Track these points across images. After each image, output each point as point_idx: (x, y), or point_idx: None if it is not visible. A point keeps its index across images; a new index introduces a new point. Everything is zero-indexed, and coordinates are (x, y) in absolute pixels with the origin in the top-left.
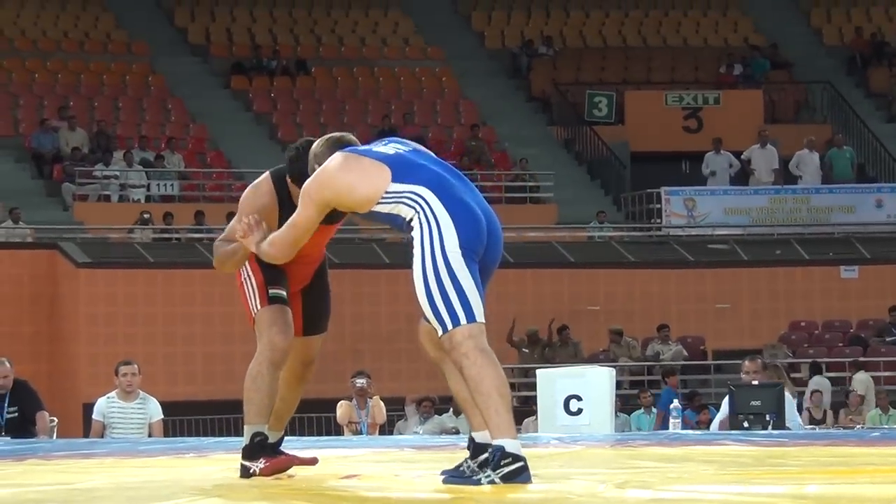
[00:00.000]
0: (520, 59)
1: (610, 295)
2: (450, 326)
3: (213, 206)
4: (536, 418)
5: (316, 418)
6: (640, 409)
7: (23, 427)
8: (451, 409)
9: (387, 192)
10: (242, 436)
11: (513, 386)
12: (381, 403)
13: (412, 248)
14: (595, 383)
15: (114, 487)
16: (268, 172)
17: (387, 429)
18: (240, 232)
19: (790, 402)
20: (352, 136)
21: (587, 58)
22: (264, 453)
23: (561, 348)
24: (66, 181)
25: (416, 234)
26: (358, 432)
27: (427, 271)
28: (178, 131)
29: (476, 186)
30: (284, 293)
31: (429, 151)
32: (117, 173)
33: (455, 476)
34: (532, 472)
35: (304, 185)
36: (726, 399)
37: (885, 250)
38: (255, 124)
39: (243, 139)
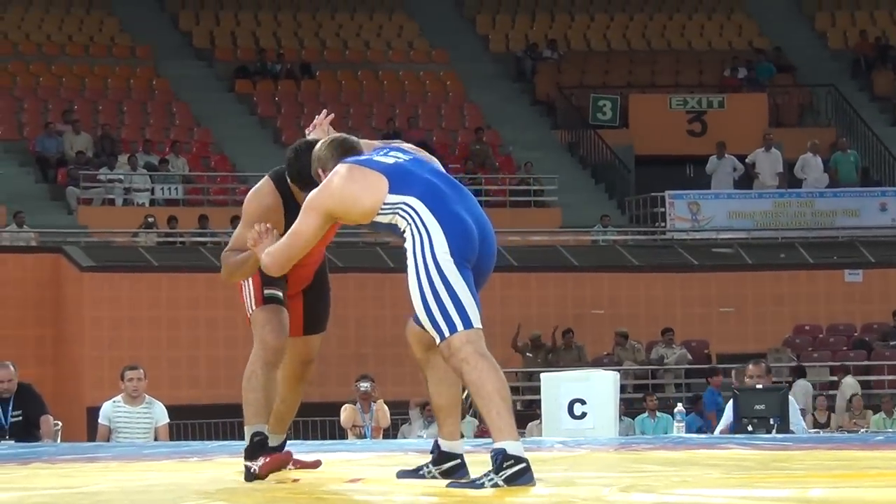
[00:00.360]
0: (524, 62)
1: (614, 299)
2: (447, 334)
3: (218, 210)
4: (540, 422)
5: (320, 422)
6: (644, 412)
7: (27, 431)
8: None
9: (384, 204)
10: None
11: (517, 390)
12: (385, 407)
13: (406, 258)
14: (599, 387)
15: (118, 491)
16: (267, 175)
17: (391, 433)
18: (250, 240)
19: (794, 406)
20: (355, 140)
21: (591, 61)
22: (264, 451)
23: (565, 352)
24: (71, 185)
25: (408, 244)
26: (362, 436)
27: (421, 280)
28: (183, 135)
29: (480, 190)
30: (280, 294)
31: (431, 158)
32: (121, 177)
33: (459, 483)
34: (536, 476)
35: (308, 197)
36: (730, 403)
37: (889, 254)
38: (260, 128)
39: (248, 143)
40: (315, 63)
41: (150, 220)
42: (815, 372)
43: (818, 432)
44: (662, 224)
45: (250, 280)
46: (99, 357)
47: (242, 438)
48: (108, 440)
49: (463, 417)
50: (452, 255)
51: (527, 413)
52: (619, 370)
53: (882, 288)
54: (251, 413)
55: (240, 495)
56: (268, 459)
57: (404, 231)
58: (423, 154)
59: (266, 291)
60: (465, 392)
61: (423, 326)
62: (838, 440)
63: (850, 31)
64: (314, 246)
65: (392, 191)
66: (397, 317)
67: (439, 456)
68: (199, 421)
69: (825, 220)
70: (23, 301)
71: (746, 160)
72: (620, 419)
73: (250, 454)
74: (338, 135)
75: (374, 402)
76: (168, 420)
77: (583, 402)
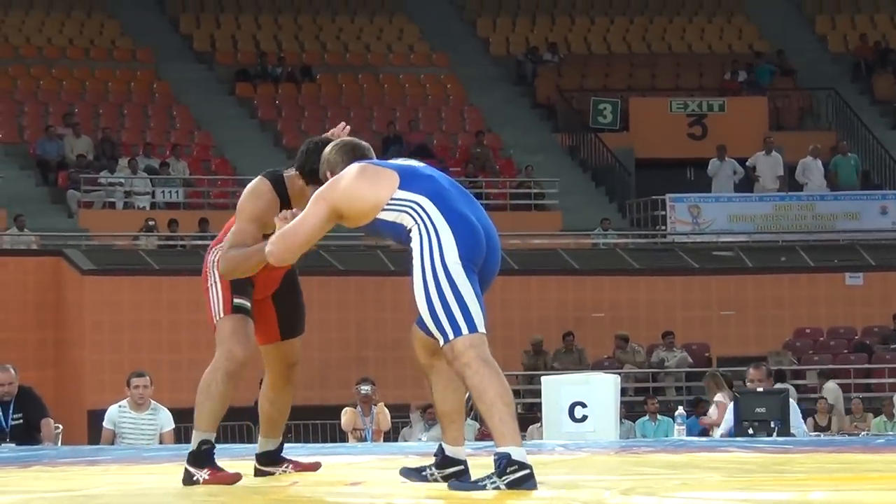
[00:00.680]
0: (525, 65)
1: (615, 302)
2: (451, 336)
3: (218, 213)
4: (541, 425)
5: (321, 425)
6: (644, 415)
7: (28, 434)
8: None
9: (392, 199)
10: (246, 443)
11: (518, 393)
12: (386, 410)
13: (412, 258)
14: (600, 390)
15: (119, 494)
16: (261, 176)
17: (391, 436)
18: (279, 221)
19: (795, 409)
20: (367, 145)
21: (592, 65)
22: (210, 463)
23: (565, 355)
24: (71, 188)
25: (415, 244)
26: (362, 439)
27: (427, 281)
28: (183, 138)
29: (481, 193)
30: (249, 304)
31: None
32: (122, 180)
33: (460, 483)
34: (537, 479)
35: (317, 190)
36: (731, 406)
37: (889, 257)
38: (260, 131)
39: (248, 146)
40: (316, 66)
41: (151, 223)
42: (816, 375)
43: (819, 435)
44: (663, 227)
45: (219, 286)
46: (100, 360)
47: (243, 441)
48: (112, 444)
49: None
50: (461, 257)
51: (528, 416)
52: (619, 373)
53: (882, 291)
54: (203, 420)
55: (241, 499)
56: (213, 476)
57: (411, 231)
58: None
59: (235, 300)
60: (467, 394)
61: (426, 330)
62: (839, 443)
63: (850, 34)
64: None
65: (402, 187)
66: (398, 320)
67: (443, 460)
68: None
69: (826, 223)
70: (23, 304)
71: (747, 163)
72: (621, 422)
73: (196, 461)
74: (349, 139)
75: (375, 405)
76: (173, 426)
77: (583, 405)
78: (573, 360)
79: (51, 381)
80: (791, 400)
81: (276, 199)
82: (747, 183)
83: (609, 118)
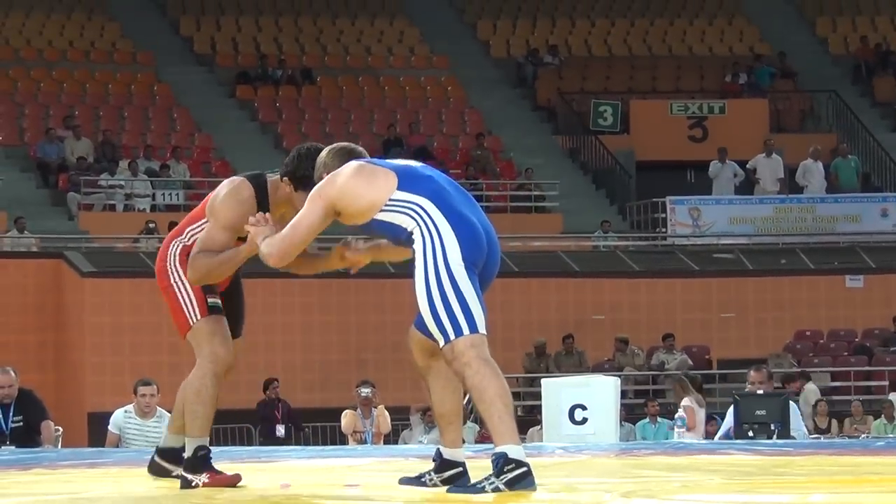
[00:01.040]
0: (525, 68)
1: (615, 304)
2: (452, 337)
3: None
4: (541, 427)
5: (321, 427)
6: (644, 418)
7: (28, 436)
8: None
9: (391, 200)
10: (246, 445)
11: (518, 395)
12: (386, 413)
13: (414, 259)
14: (600, 392)
15: (120, 497)
16: (244, 178)
17: (391, 438)
18: (250, 226)
19: (795, 411)
20: (361, 149)
21: (592, 67)
22: (207, 467)
23: (566, 357)
24: (72, 190)
25: (417, 245)
26: (363, 442)
27: (430, 282)
28: (184, 140)
29: (481, 196)
30: (220, 302)
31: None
32: (122, 183)
33: (460, 486)
34: (537, 481)
35: (312, 189)
36: (731, 408)
37: (890, 259)
38: (261, 133)
39: (249, 148)
40: (316, 69)
41: (151, 225)
42: (816, 377)
43: (819, 438)
44: (663, 230)
45: (189, 286)
46: (100, 362)
47: (244, 443)
48: (116, 448)
49: (464, 423)
50: (463, 259)
51: (528, 418)
52: (619, 376)
53: (883, 293)
54: (197, 426)
55: (241, 501)
56: (212, 479)
57: (412, 232)
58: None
59: (210, 300)
60: (467, 397)
61: (425, 332)
62: (839, 445)
63: (851, 36)
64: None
65: (401, 187)
66: (398, 322)
67: (441, 464)
68: None
69: (826, 225)
70: (24, 307)
71: (747, 166)
72: (621, 425)
73: (192, 467)
74: (344, 143)
75: (375, 407)
76: None
77: (584, 407)
78: (573, 362)
79: (51, 383)
80: (791, 402)
81: (255, 207)
82: (748, 185)
83: (609, 120)
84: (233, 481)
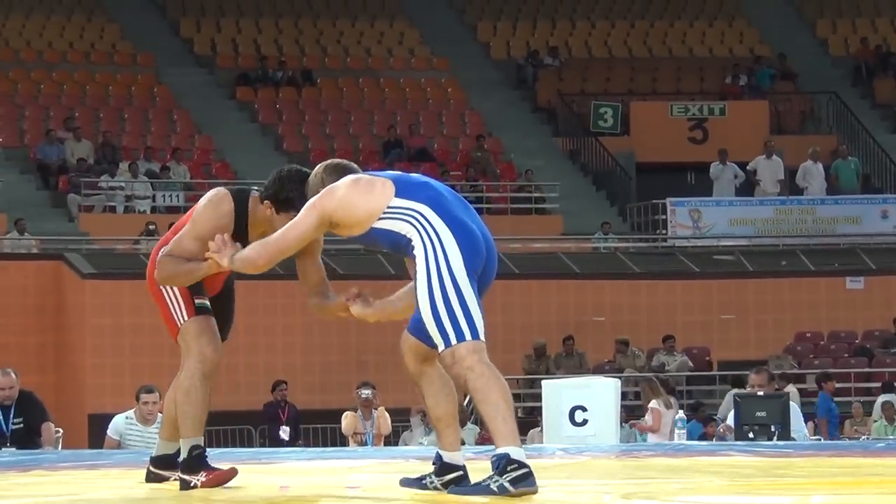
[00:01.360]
0: (525, 69)
1: (615, 306)
2: (453, 342)
3: None
4: (542, 429)
5: (321, 429)
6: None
7: (28, 438)
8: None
9: (389, 207)
10: (246, 447)
11: (518, 397)
12: (386, 414)
13: (415, 266)
14: (600, 394)
15: (119, 499)
16: (227, 191)
17: (392, 440)
18: (213, 250)
19: (796, 412)
20: (354, 164)
21: (593, 68)
22: (204, 466)
23: (566, 359)
24: (72, 192)
25: (418, 251)
26: (363, 443)
27: (433, 288)
28: (184, 142)
29: (481, 197)
30: (208, 303)
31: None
32: (123, 184)
33: (462, 487)
34: (538, 483)
35: (310, 199)
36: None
37: (890, 261)
38: (261, 135)
39: (249, 150)
40: (316, 70)
41: (152, 227)
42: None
43: (819, 439)
44: (663, 231)
45: (177, 289)
46: (100, 364)
47: (244, 445)
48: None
49: (463, 425)
50: (465, 265)
51: (528, 420)
52: (620, 377)
53: (883, 295)
54: (189, 426)
55: (239, 502)
56: (210, 476)
57: (412, 239)
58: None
59: (197, 301)
60: (467, 398)
61: (420, 336)
62: (839, 447)
63: (851, 38)
64: None
65: (399, 195)
66: (398, 324)
67: (441, 467)
68: None
69: (826, 227)
70: (24, 308)
71: (748, 167)
72: (621, 426)
73: (188, 468)
74: (337, 160)
75: (376, 409)
76: None
77: (584, 409)
78: (574, 363)
79: (51, 384)
80: (792, 403)
81: (233, 222)
82: (748, 187)
83: (610, 122)
84: (229, 476)
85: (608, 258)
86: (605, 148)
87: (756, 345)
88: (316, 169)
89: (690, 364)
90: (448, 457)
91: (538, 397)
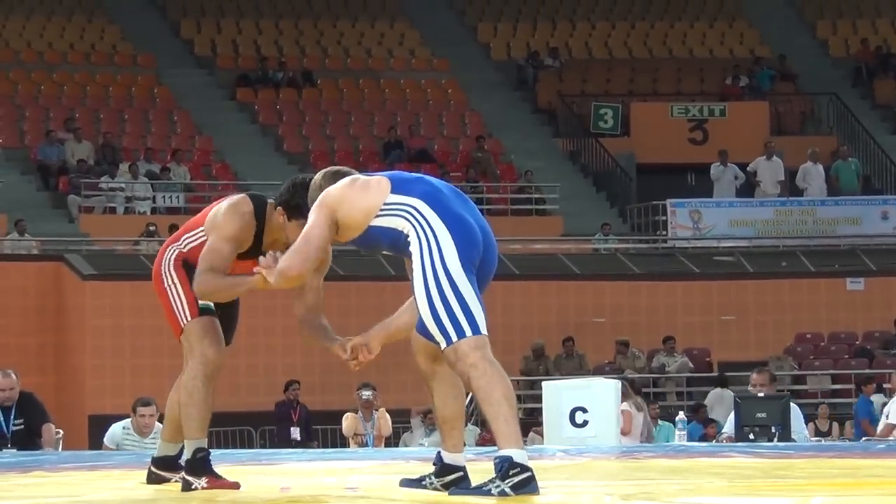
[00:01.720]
0: (526, 70)
1: (615, 307)
2: (454, 339)
3: None
4: (542, 430)
5: (321, 430)
6: None
7: (29, 439)
8: None
9: (385, 204)
10: (246, 448)
11: (518, 398)
12: (387, 416)
13: (412, 262)
14: (601, 395)
15: (120, 500)
16: (245, 195)
17: (392, 441)
18: (263, 265)
19: (797, 414)
20: (353, 170)
21: (593, 69)
22: (207, 471)
23: (566, 360)
24: (72, 193)
25: (414, 248)
26: (364, 444)
27: (430, 285)
28: (184, 143)
29: (482, 198)
30: (212, 304)
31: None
32: (123, 185)
33: (463, 489)
34: (538, 483)
35: (313, 204)
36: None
37: (890, 262)
38: (261, 136)
39: (249, 151)
40: (317, 71)
41: (152, 228)
42: (817, 380)
43: (820, 441)
44: (664, 232)
45: (181, 288)
46: (100, 365)
47: (244, 446)
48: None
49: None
50: (460, 259)
51: (528, 421)
52: (620, 378)
53: (884, 296)
54: (193, 428)
55: None
56: (213, 483)
57: (408, 235)
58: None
59: (200, 302)
60: (468, 397)
61: (427, 335)
62: (840, 448)
63: (851, 39)
64: (242, 267)
65: (394, 191)
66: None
67: (442, 468)
68: None
69: (827, 228)
70: (24, 309)
71: (748, 168)
72: None
73: (193, 470)
74: (336, 167)
75: (376, 410)
76: None
77: (584, 410)
78: (574, 365)
79: (51, 386)
80: (793, 405)
81: (254, 224)
82: (748, 188)
83: (610, 123)
84: (231, 488)
85: (608, 259)
86: (605, 149)
87: (756, 346)
88: (315, 177)
89: (691, 365)
90: (449, 458)
91: (538, 398)
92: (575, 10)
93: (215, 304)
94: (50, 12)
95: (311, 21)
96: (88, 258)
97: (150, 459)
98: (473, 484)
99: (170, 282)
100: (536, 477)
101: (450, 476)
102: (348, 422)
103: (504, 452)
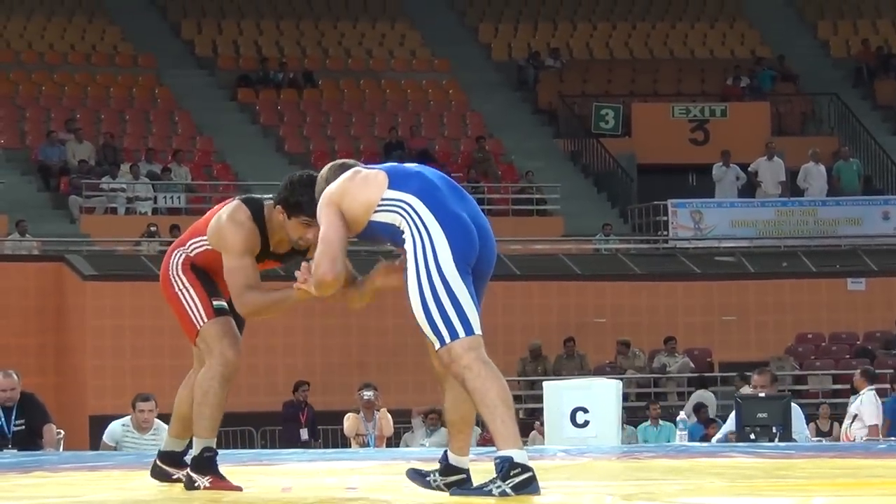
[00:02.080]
0: (526, 71)
1: (616, 307)
2: (448, 340)
3: None
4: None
5: (323, 430)
6: (646, 421)
7: (30, 439)
8: None
9: (382, 199)
10: (248, 448)
11: (518, 398)
12: (388, 416)
13: (405, 260)
14: (602, 395)
15: (121, 501)
16: (239, 202)
17: (394, 441)
18: (301, 280)
19: (798, 414)
20: (358, 163)
21: (594, 70)
22: (212, 471)
23: (567, 360)
24: (73, 194)
25: (408, 246)
26: (365, 445)
27: (422, 284)
28: (185, 144)
29: (482, 199)
30: (227, 304)
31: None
32: (124, 186)
33: (464, 490)
34: (539, 484)
35: (318, 207)
36: (733, 412)
37: (891, 262)
38: (262, 137)
39: (250, 151)
40: (317, 72)
41: (153, 228)
42: (818, 380)
43: (821, 441)
44: (665, 233)
45: (193, 291)
46: (101, 366)
47: (246, 447)
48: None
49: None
50: (454, 258)
51: (529, 421)
52: (621, 378)
53: (885, 296)
54: (203, 427)
55: None
56: (216, 484)
57: (403, 232)
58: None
59: (215, 303)
60: None
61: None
62: (841, 448)
63: (852, 39)
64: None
65: (391, 186)
66: (400, 326)
67: (446, 468)
68: None
69: (828, 228)
70: (25, 310)
71: (749, 169)
72: (623, 428)
73: (198, 468)
74: (341, 160)
75: (378, 410)
76: None
77: (585, 410)
78: (575, 365)
79: (52, 386)
80: (794, 405)
81: (256, 228)
82: (749, 188)
83: (611, 123)
84: (234, 490)
85: (609, 259)
86: (606, 149)
87: (757, 346)
88: (322, 171)
89: (692, 365)
90: (454, 459)
91: (539, 398)
92: (576, 11)
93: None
94: (50, 13)
95: (311, 22)
96: (89, 259)
97: (150, 460)
98: (474, 484)
99: (180, 285)
100: (537, 477)
101: (452, 477)
102: (350, 422)
103: (504, 453)
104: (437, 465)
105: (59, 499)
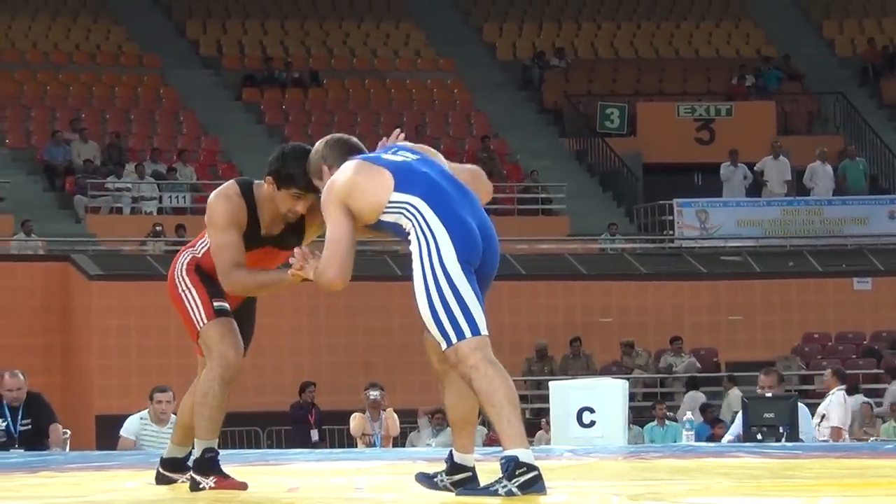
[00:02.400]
0: (532, 70)
1: (622, 307)
2: (454, 340)
3: None
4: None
5: (329, 430)
6: (653, 421)
7: (36, 439)
8: None
9: (390, 202)
10: (253, 448)
11: (525, 398)
12: (395, 416)
13: (411, 261)
14: (608, 395)
15: (128, 501)
16: (233, 181)
17: (400, 441)
18: (296, 266)
19: (805, 414)
20: (358, 141)
21: (599, 69)
22: (215, 471)
23: (573, 360)
24: (78, 193)
25: (413, 247)
26: (371, 444)
27: (429, 286)
28: (190, 143)
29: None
30: (228, 306)
31: (437, 154)
32: (129, 185)
33: (470, 489)
34: (546, 484)
35: (321, 201)
36: (740, 412)
37: None
38: (267, 136)
39: (255, 151)
40: (322, 71)
41: (158, 228)
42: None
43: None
44: (670, 232)
45: (195, 292)
46: (107, 365)
47: (252, 447)
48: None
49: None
50: (458, 259)
51: (535, 421)
52: (627, 378)
53: (891, 296)
54: (204, 428)
55: None
56: (221, 483)
57: (409, 234)
58: (430, 152)
59: (216, 304)
60: None
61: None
62: (848, 448)
63: (858, 38)
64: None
65: (398, 188)
66: (406, 325)
67: (452, 466)
68: None
69: (834, 228)
70: (31, 310)
71: (755, 168)
72: (629, 427)
73: (201, 469)
74: (339, 135)
75: (384, 410)
76: None
77: (592, 410)
78: (581, 365)
79: (58, 386)
80: (801, 405)
81: (244, 204)
82: (755, 187)
83: (616, 123)
84: (239, 488)
85: (615, 259)
86: (611, 149)
87: (764, 346)
88: (316, 145)
89: (698, 365)
90: (459, 458)
91: (545, 398)
92: (581, 10)
93: (238, 311)
94: (55, 13)
95: (316, 21)
96: (95, 258)
97: (156, 459)
98: (481, 484)
99: (183, 287)
100: (543, 477)
101: (458, 475)
102: (356, 422)
103: (510, 452)
104: (443, 466)
105: (65, 499)
